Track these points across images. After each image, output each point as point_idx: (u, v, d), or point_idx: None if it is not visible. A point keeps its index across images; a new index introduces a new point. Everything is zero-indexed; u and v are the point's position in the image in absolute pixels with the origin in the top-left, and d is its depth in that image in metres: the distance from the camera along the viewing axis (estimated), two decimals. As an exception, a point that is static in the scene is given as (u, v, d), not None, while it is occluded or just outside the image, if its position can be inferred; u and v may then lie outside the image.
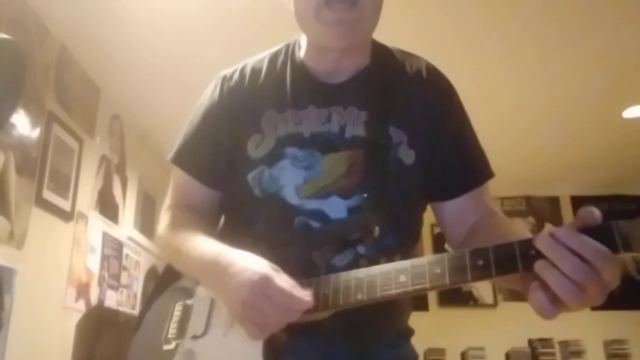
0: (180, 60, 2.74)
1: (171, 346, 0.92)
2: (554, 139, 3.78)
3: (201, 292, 0.95)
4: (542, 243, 0.62)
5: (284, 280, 0.77)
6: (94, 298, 2.82)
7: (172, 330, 0.94)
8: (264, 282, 0.76)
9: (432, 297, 4.56)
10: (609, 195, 4.57)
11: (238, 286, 0.77)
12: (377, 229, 0.86)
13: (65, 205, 2.56)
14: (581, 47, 2.73)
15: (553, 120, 3.49)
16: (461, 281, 0.68)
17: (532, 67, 2.90)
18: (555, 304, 0.62)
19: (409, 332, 1.03)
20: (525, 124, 3.54)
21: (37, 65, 2.35)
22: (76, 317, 2.59)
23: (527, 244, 0.64)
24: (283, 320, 0.76)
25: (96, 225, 2.90)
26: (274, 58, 1.05)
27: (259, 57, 1.07)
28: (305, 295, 0.76)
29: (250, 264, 0.80)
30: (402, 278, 0.72)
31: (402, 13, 2.32)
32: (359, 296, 0.76)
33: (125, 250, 3.28)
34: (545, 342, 4.30)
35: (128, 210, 3.38)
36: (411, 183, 0.95)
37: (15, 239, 2.15)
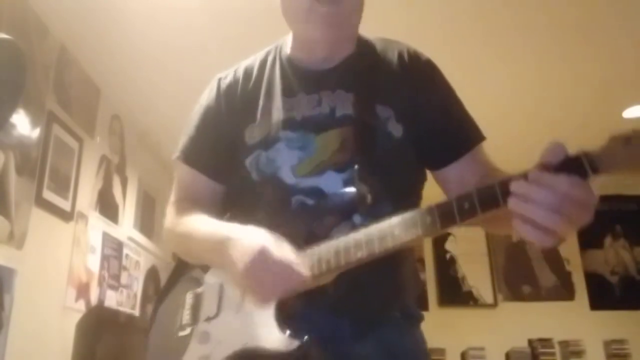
0: (180, 58, 2.73)
1: (186, 332, 0.97)
2: (553, 139, 3.77)
3: (210, 279, 1.00)
4: (515, 185, 0.70)
5: (283, 252, 0.83)
6: (94, 298, 2.82)
7: (186, 317, 0.99)
8: (263, 254, 0.83)
9: (432, 297, 4.56)
10: (609, 195, 4.56)
11: (240, 258, 0.84)
12: (369, 196, 0.90)
13: (65, 205, 2.57)
14: (581, 47, 2.73)
15: (552, 119, 3.49)
16: (451, 223, 0.75)
17: (532, 67, 2.90)
18: (544, 231, 0.68)
19: (417, 316, 1.05)
20: (524, 124, 3.53)
21: (37, 65, 2.35)
22: (76, 317, 2.58)
23: (506, 182, 0.72)
24: (281, 289, 0.83)
25: (96, 225, 2.90)
26: (264, 57, 1.13)
27: (251, 58, 1.16)
28: (301, 267, 0.82)
29: (251, 236, 0.87)
30: (397, 230, 0.79)
31: (393, 11, 2.32)
32: (359, 254, 0.81)
33: (125, 250, 3.28)
34: (545, 342, 4.28)
35: (128, 210, 3.38)
36: (402, 153, 1.00)
37: (15, 239, 2.15)
